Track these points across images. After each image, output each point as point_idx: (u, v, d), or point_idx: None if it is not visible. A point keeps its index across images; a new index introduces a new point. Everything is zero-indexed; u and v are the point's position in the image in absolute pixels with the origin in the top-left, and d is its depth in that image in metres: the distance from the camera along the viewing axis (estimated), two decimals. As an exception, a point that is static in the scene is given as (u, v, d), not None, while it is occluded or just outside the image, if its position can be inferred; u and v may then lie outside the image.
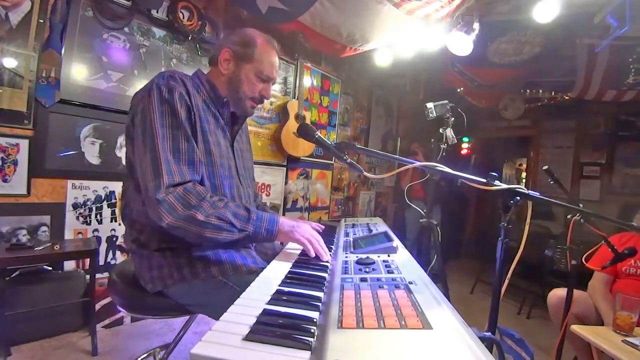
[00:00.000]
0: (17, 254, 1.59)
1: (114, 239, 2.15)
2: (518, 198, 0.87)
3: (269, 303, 0.64)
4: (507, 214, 0.91)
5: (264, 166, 3.05)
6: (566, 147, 4.30)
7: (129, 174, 0.98)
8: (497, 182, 0.90)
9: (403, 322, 0.52)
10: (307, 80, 3.38)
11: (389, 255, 0.93)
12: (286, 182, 3.29)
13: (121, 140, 2.13)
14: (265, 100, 1.15)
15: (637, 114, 3.67)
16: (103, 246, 2.10)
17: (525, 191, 0.88)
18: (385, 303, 0.59)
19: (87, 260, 1.96)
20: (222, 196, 1.00)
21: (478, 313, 2.83)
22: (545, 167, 1.63)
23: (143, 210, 0.91)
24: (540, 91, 3.82)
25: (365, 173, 1.11)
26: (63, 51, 1.86)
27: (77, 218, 1.99)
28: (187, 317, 1.25)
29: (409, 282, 0.70)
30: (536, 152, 4.64)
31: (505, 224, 0.93)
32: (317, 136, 1.10)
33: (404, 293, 0.64)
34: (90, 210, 2.04)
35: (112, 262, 2.15)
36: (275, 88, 3.09)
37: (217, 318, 0.57)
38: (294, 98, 3.19)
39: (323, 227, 1.26)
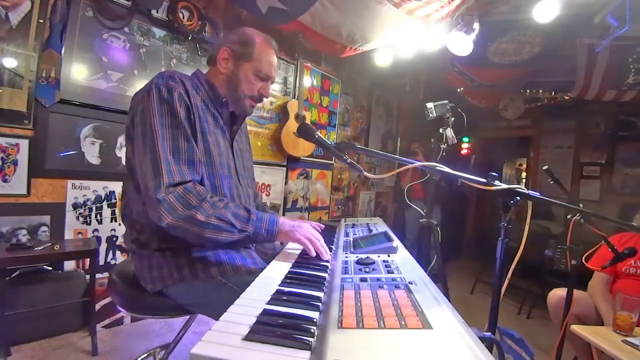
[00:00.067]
0: (17, 254, 1.59)
1: (114, 239, 2.15)
2: (518, 198, 0.87)
3: (269, 303, 0.64)
4: (507, 214, 0.91)
5: (264, 166, 3.05)
6: (566, 147, 4.30)
7: (129, 174, 0.99)
8: (497, 182, 0.90)
9: (403, 322, 0.52)
10: (307, 80, 3.38)
11: (389, 255, 0.93)
12: (286, 182, 3.29)
13: (121, 140, 2.13)
14: (265, 99, 1.15)
15: (637, 114, 3.67)
16: (103, 246, 2.10)
17: (525, 191, 0.88)
18: (385, 303, 0.59)
19: (87, 260, 1.96)
20: (222, 196, 1.00)
21: (478, 313, 2.83)
22: (545, 167, 1.63)
23: (143, 211, 0.91)
24: (540, 91, 3.82)
25: (365, 173, 1.11)
26: (63, 51, 1.86)
27: (77, 218, 1.99)
28: (187, 317, 1.25)
29: (409, 282, 0.70)
30: (536, 152, 4.64)
31: (505, 224, 0.93)
32: (317, 136, 1.10)
33: (404, 293, 0.64)
34: (90, 210, 2.04)
35: (112, 262, 2.15)
36: (275, 88, 3.09)
37: (216, 318, 0.57)
38: (294, 98, 3.19)
39: (323, 226, 1.26)
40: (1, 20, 1.67)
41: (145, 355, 1.44)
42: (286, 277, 0.80)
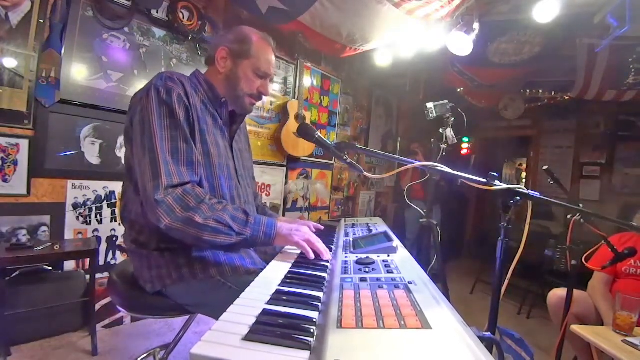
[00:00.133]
0: (17, 254, 1.59)
1: (114, 239, 2.15)
2: (518, 198, 0.87)
3: (268, 303, 0.64)
4: (507, 214, 0.91)
5: (264, 166, 3.05)
6: (566, 147, 4.30)
7: (128, 174, 0.99)
8: (497, 182, 0.90)
9: (402, 322, 0.52)
10: (307, 80, 3.38)
11: (388, 255, 0.93)
12: (286, 182, 3.29)
13: (121, 140, 2.13)
14: (264, 98, 1.15)
15: (637, 114, 3.67)
16: (103, 246, 2.10)
17: (525, 191, 0.88)
18: (385, 303, 0.59)
19: (87, 260, 1.96)
20: (221, 196, 1.00)
21: (478, 313, 2.83)
22: (545, 167, 1.63)
23: (142, 211, 0.91)
24: (540, 91, 3.82)
25: (365, 173, 1.11)
26: (63, 51, 1.86)
27: (77, 218, 1.99)
28: (187, 317, 1.25)
29: (409, 282, 0.70)
30: (536, 152, 4.64)
31: (505, 224, 0.93)
32: (317, 136, 1.10)
33: (404, 293, 0.64)
34: (90, 210, 2.04)
35: (112, 262, 2.15)
36: (275, 88, 3.09)
37: (216, 318, 0.57)
38: (294, 98, 3.19)
39: (322, 227, 1.26)
40: (1, 20, 1.67)
41: (145, 355, 1.44)
42: (286, 277, 0.80)
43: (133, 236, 0.98)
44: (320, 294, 0.69)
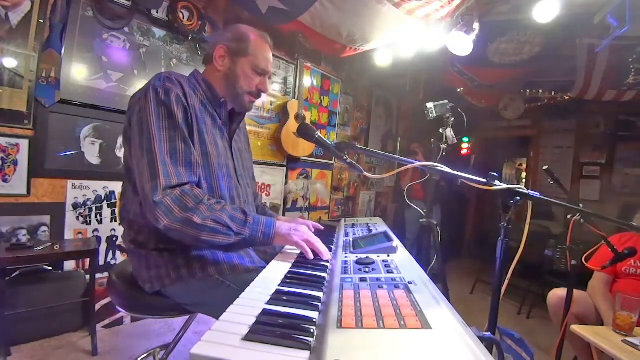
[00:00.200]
0: (17, 254, 1.59)
1: (114, 239, 2.15)
2: (518, 198, 0.87)
3: (268, 303, 0.64)
4: (507, 214, 0.91)
5: (264, 166, 3.05)
6: (566, 147, 4.30)
7: (127, 175, 0.99)
8: (497, 182, 0.90)
9: (402, 322, 0.52)
10: (307, 80, 3.38)
11: (388, 255, 0.93)
12: (286, 182, 3.29)
13: (121, 140, 2.13)
14: (264, 97, 1.16)
15: (637, 114, 3.67)
16: (103, 246, 2.10)
17: (525, 191, 0.88)
18: (385, 303, 0.59)
19: (87, 260, 1.96)
20: (220, 196, 1.00)
21: (478, 313, 2.83)
22: (545, 167, 1.63)
23: (141, 212, 0.91)
24: (540, 91, 3.82)
25: (365, 173, 1.11)
26: (63, 51, 1.86)
27: (77, 218, 1.99)
28: (187, 317, 1.25)
29: (409, 282, 0.70)
30: (536, 152, 4.64)
31: (505, 224, 0.93)
32: (317, 136, 1.10)
33: (404, 293, 0.64)
34: (90, 210, 2.04)
35: (112, 262, 2.15)
36: (275, 88, 3.09)
37: (215, 317, 0.57)
38: (294, 98, 3.19)
39: (322, 227, 1.26)
40: (1, 20, 1.67)
41: (145, 355, 1.44)
42: (286, 277, 0.80)
43: (132, 236, 0.98)
44: (320, 294, 0.69)
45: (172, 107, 0.90)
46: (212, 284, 0.92)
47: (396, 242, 1.03)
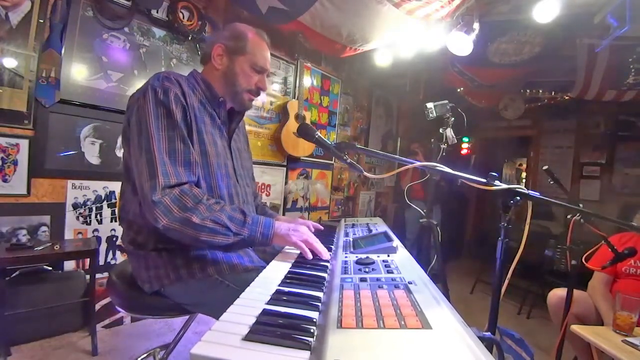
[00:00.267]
0: (17, 254, 1.59)
1: (114, 239, 2.15)
2: (518, 198, 0.87)
3: (268, 303, 0.64)
4: (507, 214, 0.91)
5: (264, 166, 3.05)
6: (566, 147, 4.30)
7: (126, 175, 0.99)
8: (497, 182, 0.90)
9: (402, 322, 0.52)
10: (307, 80, 3.38)
11: (388, 255, 0.93)
12: (286, 182, 3.29)
13: (121, 140, 2.13)
14: (263, 96, 1.16)
15: (637, 114, 3.67)
16: (103, 246, 2.10)
17: (525, 191, 0.88)
18: (385, 303, 0.59)
19: (87, 260, 1.96)
20: (219, 196, 1.00)
21: (478, 313, 2.83)
22: (545, 167, 1.63)
23: (140, 212, 0.91)
24: (540, 91, 3.82)
25: (365, 173, 1.11)
26: (63, 51, 1.86)
27: (77, 218, 1.99)
28: (187, 317, 1.25)
29: (409, 282, 0.70)
30: (536, 152, 4.64)
31: (505, 224, 0.93)
32: (317, 136, 1.10)
33: (404, 293, 0.64)
34: (90, 210, 2.04)
35: (112, 262, 2.15)
36: (275, 88, 3.09)
37: (215, 316, 0.57)
38: (294, 98, 3.19)
39: (322, 228, 1.26)
40: (1, 20, 1.67)
41: (145, 355, 1.44)
42: (286, 277, 0.80)
43: (131, 236, 0.98)
44: (320, 294, 0.69)
45: (170, 107, 0.90)
46: (212, 284, 0.92)
47: (396, 242, 1.03)
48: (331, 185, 3.87)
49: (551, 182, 1.61)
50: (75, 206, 1.98)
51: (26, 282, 1.76)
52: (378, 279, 0.73)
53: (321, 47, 2.80)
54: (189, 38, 2.37)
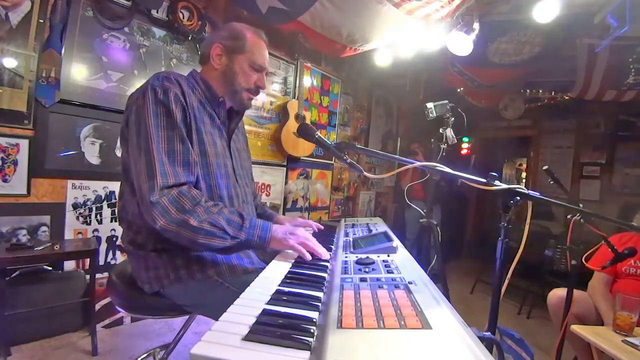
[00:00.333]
0: (17, 254, 1.59)
1: (114, 239, 2.15)
2: (518, 198, 0.87)
3: (268, 303, 0.64)
4: (507, 214, 0.91)
5: (264, 166, 3.05)
6: (566, 147, 4.30)
7: (125, 175, 0.98)
8: (497, 182, 0.90)
9: (402, 322, 0.52)
10: (307, 80, 3.38)
11: (388, 255, 0.93)
12: (286, 182, 3.29)
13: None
14: (263, 96, 1.16)
15: (637, 114, 3.67)
16: (103, 246, 2.10)
17: (525, 191, 0.88)
18: (385, 303, 0.59)
19: (87, 260, 1.96)
20: (218, 196, 1.00)
21: (478, 313, 2.83)
22: (545, 167, 1.63)
23: (139, 212, 0.91)
24: (540, 91, 3.82)
25: (365, 173, 1.11)
26: (63, 51, 1.86)
27: (77, 218, 1.99)
28: (187, 317, 1.25)
29: (409, 282, 0.70)
30: (536, 152, 4.64)
31: (505, 224, 0.93)
32: (317, 136, 1.10)
33: (404, 293, 0.64)
34: (90, 210, 2.04)
35: (112, 262, 2.15)
36: (275, 88, 3.09)
37: (214, 318, 0.57)
38: (294, 98, 3.19)
39: (322, 227, 1.26)
40: (1, 20, 1.67)
41: (145, 355, 1.45)
42: (286, 277, 0.80)
43: (130, 237, 0.98)
44: (320, 294, 0.69)
45: (170, 107, 0.90)
46: (211, 286, 0.92)
47: (396, 242, 1.03)
48: (331, 185, 3.87)
49: (551, 182, 1.61)
50: (75, 206, 1.98)
51: (26, 282, 1.76)
52: (378, 279, 0.73)
53: (321, 47, 2.80)
54: (189, 38, 2.37)
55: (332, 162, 3.81)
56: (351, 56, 2.85)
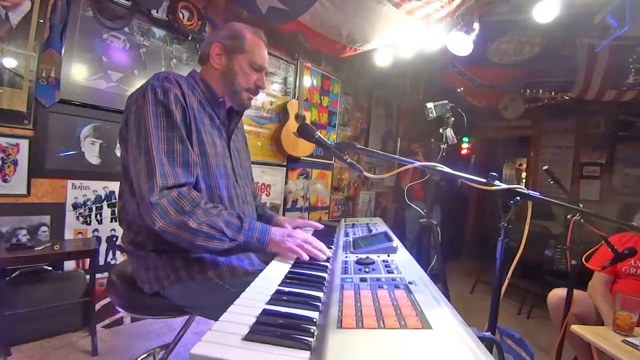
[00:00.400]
0: (17, 254, 1.59)
1: (114, 239, 2.15)
2: (518, 198, 0.87)
3: (268, 303, 0.64)
4: (507, 214, 0.91)
5: (264, 166, 3.05)
6: (566, 147, 4.30)
7: (124, 175, 0.98)
8: (497, 182, 0.90)
9: (403, 322, 0.52)
10: (307, 80, 3.38)
11: (388, 255, 0.93)
12: (286, 182, 3.29)
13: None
14: (263, 96, 1.16)
15: (637, 114, 3.67)
16: (103, 246, 2.10)
17: (525, 191, 0.88)
18: (385, 303, 0.59)
19: (87, 260, 1.96)
20: (218, 197, 1.00)
21: (478, 313, 2.83)
22: (545, 167, 1.63)
23: (139, 212, 0.91)
24: (540, 91, 3.82)
25: (365, 173, 1.11)
26: (63, 51, 1.86)
27: (77, 218, 1.99)
28: (187, 317, 1.25)
29: (409, 282, 0.70)
30: (536, 152, 4.64)
31: (505, 224, 0.93)
32: (317, 136, 1.10)
33: (404, 293, 0.64)
34: (90, 210, 2.04)
35: (112, 262, 2.15)
36: (275, 88, 3.09)
37: (214, 319, 0.56)
38: (294, 98, 3.19)
39: (322, 226, 1.26)
40: (1, 20, 1.67)
41: (145, 355, 1.45)
42: (286, 277, 0.80)
43: (130, 237, 0.98)
44: (320, 294, 0.69)
45: (170, 107, 0.90)
46: (211, 287, 0.92)
47: (396, 242, 1.03)
48: (331, 185, 3.87)
49: (551, 182, 1.61)
50: (75, 206, 1.98)
51: (26, 282, 1.76)
52: (378, 279, 0.73)
53: (321, 47, 2.80)
54: (189, 38, 2.37)
55: (332, 162, 3.81)
56: (351, 56, 2.85)
